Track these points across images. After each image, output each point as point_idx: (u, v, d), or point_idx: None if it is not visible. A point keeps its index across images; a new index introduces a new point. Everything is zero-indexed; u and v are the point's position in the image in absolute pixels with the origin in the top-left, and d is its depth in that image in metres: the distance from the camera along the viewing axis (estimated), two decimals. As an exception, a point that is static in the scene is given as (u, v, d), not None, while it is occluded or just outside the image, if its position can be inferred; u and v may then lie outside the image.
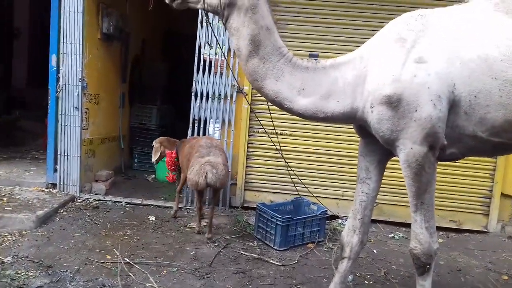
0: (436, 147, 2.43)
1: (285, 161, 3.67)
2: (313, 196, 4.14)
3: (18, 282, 3.36)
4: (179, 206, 5.24)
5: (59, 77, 5.38)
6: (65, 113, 5.40)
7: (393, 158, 2.90)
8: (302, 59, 2.63)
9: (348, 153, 5.39)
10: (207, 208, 5.12)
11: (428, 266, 2.62)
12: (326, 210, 4.78)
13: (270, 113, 3.27)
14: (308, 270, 4.06)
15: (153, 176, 6.83)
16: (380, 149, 2.80)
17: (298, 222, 4.55)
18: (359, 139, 5.08)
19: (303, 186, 3.99)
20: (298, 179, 3.89)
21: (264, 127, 5.41)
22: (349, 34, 5.23)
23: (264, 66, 2.55)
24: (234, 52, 5.37)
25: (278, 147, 3.66)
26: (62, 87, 5.36)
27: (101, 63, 6.02)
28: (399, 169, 2.48)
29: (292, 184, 5.27)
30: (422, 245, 2.57)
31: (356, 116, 2.61)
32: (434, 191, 2.54)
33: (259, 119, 5.40)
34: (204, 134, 5.49)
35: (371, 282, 3.91)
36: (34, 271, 3.55)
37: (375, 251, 4.62)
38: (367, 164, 2.90)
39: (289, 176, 5.26)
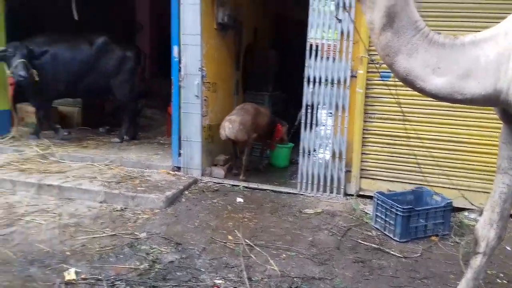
0: None
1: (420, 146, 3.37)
2: (458, 189, 3.75)
3: (153, 256, 3.70)
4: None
5: (180, 68, 5.73)
6: (186, 101, 5.75)
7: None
8: (439, 34, 2.42)
9: (476, 140, 4.93)
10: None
11: None
12: (451, 201, 4.47)
13: (398, 97, 3.09)
14: (432, 264, 3.85)
15: (266, 162, 6.97)
16: None
17: (420, 213, 4.32)
18: (489, 125, 4.76)
19: (444, 176, 3.61)
20: (440, 169, 3.53)
21: (380, 112, 5.23)
22: (476, 9, 4.75)
23: (398, 40, 2.35)
24: (347, 36, 5.23)
25: (411, 134, 3.42)
26: (184, 77, 5.71)
27: (217, 53, 6.25)
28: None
29: (411, 173, 5.03)
30: None
31: (500, 98, 2.34)
32: None
33: (374, 104, 5.23)
34: (316, 119, 5.48)
35: (505, 281, 3.60)
36: (166, 247, 3.87)
37: (508, 248, 4.23)
38: (510, 153, 2.62)
39: (408, 165, 5.02)
